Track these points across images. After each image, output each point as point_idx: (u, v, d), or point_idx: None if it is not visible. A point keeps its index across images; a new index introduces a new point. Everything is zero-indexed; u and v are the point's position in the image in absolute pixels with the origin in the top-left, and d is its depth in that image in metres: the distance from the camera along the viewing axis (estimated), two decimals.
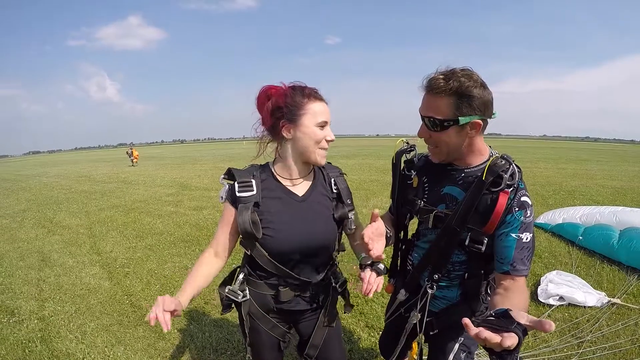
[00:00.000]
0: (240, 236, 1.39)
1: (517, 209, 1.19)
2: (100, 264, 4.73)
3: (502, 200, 1.17)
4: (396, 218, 1.56)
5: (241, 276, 1.46)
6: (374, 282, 1.28)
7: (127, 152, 23.40)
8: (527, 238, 1.20)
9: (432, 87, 1.19)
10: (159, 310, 1.08)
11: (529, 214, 1.20)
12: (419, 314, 1.41)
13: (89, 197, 10.26)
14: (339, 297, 1.61)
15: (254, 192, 1.33)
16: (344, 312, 1.71)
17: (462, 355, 1.43)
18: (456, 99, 1.16)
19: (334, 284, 1.54)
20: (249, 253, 1.38)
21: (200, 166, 19.85)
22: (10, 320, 3.31)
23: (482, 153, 1.31)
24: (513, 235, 1.20)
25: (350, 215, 1.46)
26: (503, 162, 1.21)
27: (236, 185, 1.34)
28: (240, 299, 1.43)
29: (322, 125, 1.30)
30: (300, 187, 1.41)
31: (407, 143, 1.52)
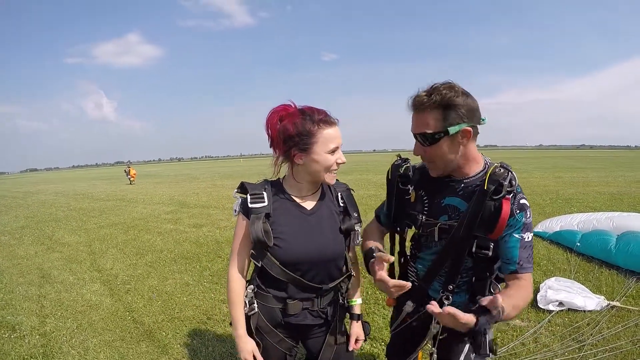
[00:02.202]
0: (252, 249, 1.42)
1: (518, 211, 1.26)
2: (101, 281, 4.72)
3: (506, 206, 1.22)
4: (392, 232, 1.61)
5: (250, 290, 1.48)
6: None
7: (124, 170, 23.47)
8: (528, 237, 1.28)
9: (417, 105, 1.25)
10: None
11: (528, 215, 1.28)
12: (438, 325, 1.38)
13: (87, 214, 10.26)
14: (347, 314, 1.63)
15: (266, 204, 1.38)
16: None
17: (472, 356, 1.44)
18: (442, 110, 1.21)
19: (341, 301, 1.57)
20: (259, 265, 1.40)
21: (198, 184, 19.86)
22: (12, 336, 3.29)
23: (477, 161, 1.35)
24: (516, 235, 1.26)
25: (357, 227, 1.50)
26: (502, 170, 1.27)
27: (248, 197, 1.39)
28: (247, 311, 1.45)
29: (334, 150, 1.34)
30: (309, 202, 1.46)
31: (400, 157, 1.55)
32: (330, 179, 1.39)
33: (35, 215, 10.43)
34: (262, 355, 1.50)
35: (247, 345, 1.44)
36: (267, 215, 1.37)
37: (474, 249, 1.30)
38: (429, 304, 1.12)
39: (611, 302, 3.30)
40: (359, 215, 1.54)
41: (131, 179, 22.39)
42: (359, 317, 1.65)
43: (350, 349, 1.60)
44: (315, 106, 1.37)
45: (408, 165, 1.50)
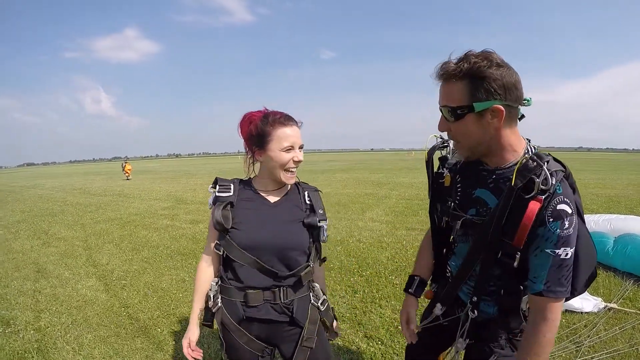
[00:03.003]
0: (217, 240, 1.47)
1: (551, 219, 1.04)
2: (97, 276, 4.70)
3: (532, 209, 1.03)
4: (432, 221, 1.49)
5: (214, 283, 1.52)
6: None
7: (122, 165, 23.38)
8: (566, 254, 1.05)
9: (443, 73, 1.08)
10: (188, 352, 1.49)
11: (567, 225, 1.03)
12: (464, 341, 1.34)
13: (84, 209, 10.21)
14: (322, 318, 1.61)
15: (231, 194, 1.49)
16: (328, 339, 1.68)
17: None
18: (469, 82, 1.04)
19: (313, 301, 1.57)
20: (221, 253, 1.46)
21: (195, 180, 19.82)
22: (6, 331, 3.27)
23: (515, 149, 1.15)
24: (548, 250, 1.05)
25: (323, 224, 1.54)
26: (534, 163, 1.06)
27: (217, 188, 1.50)
28: (212, 306, 1.50)
29: (288, 149, 1.41)
30: (273, 197, 1.54)
31: (441, 138, 1.41)
32: (287, 178, 1.46)
33: (32, 210, 10.38)
34: (231, 356, 1.54)
35: (189, 333, 1.52)
36: (231, 204, 1.46)
37: (499, 255, 1.15)
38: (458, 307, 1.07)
39: (608, 304, 3.30)
40: (324, 213, 1.57)
41: (126, 174, 22.26)
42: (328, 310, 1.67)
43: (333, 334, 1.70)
44: (282, 109, 1.47)
45: (448, 147, 1.40)
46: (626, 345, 2.71)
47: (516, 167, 1.08)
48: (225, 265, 1.50)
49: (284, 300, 1.48)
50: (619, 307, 3.27)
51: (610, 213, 6.06)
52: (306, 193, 1.59)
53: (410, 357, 1.78)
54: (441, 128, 1.19)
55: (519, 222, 1.05)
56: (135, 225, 7.77)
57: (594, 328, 2.94)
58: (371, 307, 3.54)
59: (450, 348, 1.40)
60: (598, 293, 3.59)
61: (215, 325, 1.55)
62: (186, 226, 7.52)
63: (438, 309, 1.43)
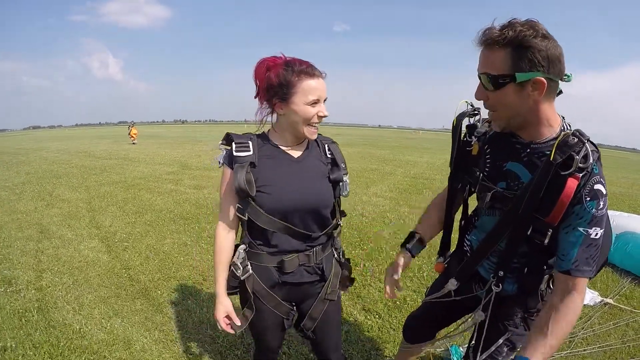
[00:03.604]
0: (238, 204, 1.35)
1: (588, 198, 1.03)
2: (99, 238, 4.71)
3: (571, 186, 1.01)
4: (450, 190, 1.45)
5: (241, 249, 1.42)
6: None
7: (128, 129, 23.22)
8: (596, 234, 1.05)
9: (486, 39, 1.04)
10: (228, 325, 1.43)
11: (601, 206, 1.04)
12: (483, 314, 1.31)
13: (88, 172, 10.21)
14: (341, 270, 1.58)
15: (251, 153, 1.34)
16: (340, 289, 1.64)
17: (505, 349, 1.34)
18: (512, 50, 1.00)
19: (335, 255, 1.53)
20: (245, 218, 1.35)
21: (201, 147, 19.71)
22: (8, 290, 3.29)
23: (551, 124, 1.11)
24: (581, 229, 1.05)
25: (345, 178, 1.47)
26: (575, 140, 1.03)
27: (234, 145, 1.34)
28: (241, 274, 1.39)
29: (314, 103, 1.30)
30: (296, 151, 1.43)
31: (472, 106, 1.36)
32: (310, 133, 1.35)
33: (37, 172, 10.38)
34: (258, 322, 1.46)
35: (221, 307, 1.43)
36: (252, 165, 1.33)
37: (529, 232, 1.12)
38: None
39: (604, 299, 3.27)
40: (345, 166, 1.51)
41: (132, 138, 22.07)
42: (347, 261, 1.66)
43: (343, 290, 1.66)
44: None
45: (479, 115, 1.35)
46: (618, 341, 2.69)
47: (556, 142, 1.05)
48: (251, 230, 1.40)
49: (316, 260, 1.44)
50: (615, 303, 3.24)
51: (614, 210, 5.98)
52: (326, 146, 1.50)
53: (410, 329, 1.75)
54: (478, 96, 1.15)
55: (556, 198, 1.03)
56: (139, 189, 7.75)
57: (588, 321, 2.91)
58: (370, 281, 3.51)
59: (464, 325, 1.39)
60: (595, 287, 3.54)
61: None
62: (190, 191, 7.49)
63: (452, 284, 1.39)
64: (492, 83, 1.06)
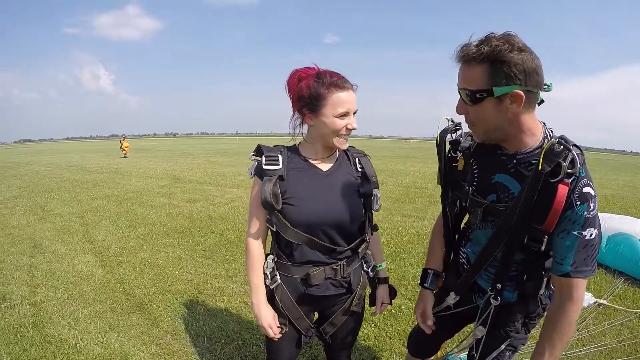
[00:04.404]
0: (266, 215, 1.39)
1: (579, 202, 1.05)
2: (93, 252, 4.70)
3: (562, 193, 1.03)
4: (443, 207, 1.47)
5: (270, 259, 1.44)
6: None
7: (120, 141, 23.16)
8: (591, 234, 1.06)
9: (463, 55, 1.06)
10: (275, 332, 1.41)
11: (592, 207, 1.05)
12: (483, 328, 1.33)
13: (81, 186, 10.15)
14: (368, 285, 1.62)
15: (280, 167, 1.36)
16: (370, 305, 1.68)
17: (508, 354, 1.36)
18: (489, 66, 1.01)
19: (365, 268, 1.56)
20: (274, 229, 1.38)
21: (193, 160, 19.70)
22: (2, 306, 3.27)
23: (533, 133, 1.13)
24: (575, 233, 1.06)
25: (376, 192, 1.48)
26: (561, 147, 1.04)
27: (263, 159, 1.37)
28: (270, 283, 1.41)
29: (343, 115, 1.31)
30: (325, 164, 1.44)
31: (452, 121, 1.38)
32: (339, 143, 1.37)
33: (28, 186, 10.31)
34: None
35: (267, 312, 1.41)
36: (281, 178, 1.35)
37: (525, 241, 1.14)
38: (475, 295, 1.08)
39: (598, 300, 3.34)
40: (377, 180, 1.52)
41: (123, 152, 21.99)
42: (385, 281, 1.65)
43: (378, 312, 1.65)
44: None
45: (460, 129, 1.37)
46: (614, 340, 2.75)
47: (542, 152, 1.06)
48: (278, 241, 1.43)
49: (343, 274, 1.44)
50: (609, 304, 3.31)
51: (605, 212, 6.11)
52: (357, 159, 1.51)
53: (414, 344, 1.79)
54: (459, 111, 1.17)
55: (549, 206, 1.04)
56: (132, 203, 7.74)
57: (583, 322, 2.97)
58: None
59: (465, 340, 1.42)
60: (589, 289, 3.62)
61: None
62: (183, 204, 7.49)
63: (451, 298, 1.42)
64: (470, 98, 1.08)
